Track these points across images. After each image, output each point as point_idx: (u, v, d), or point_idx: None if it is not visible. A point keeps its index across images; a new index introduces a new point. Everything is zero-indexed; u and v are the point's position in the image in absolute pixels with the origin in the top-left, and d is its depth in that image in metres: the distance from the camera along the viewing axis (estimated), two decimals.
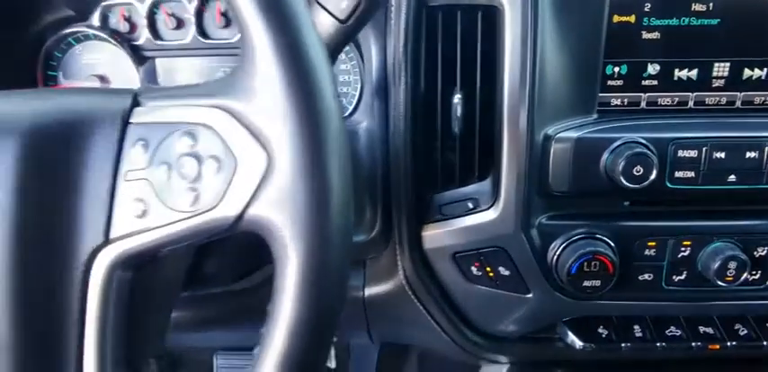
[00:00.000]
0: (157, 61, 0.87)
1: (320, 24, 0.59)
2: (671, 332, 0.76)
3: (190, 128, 0.42)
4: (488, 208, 0.69)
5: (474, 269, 0.73)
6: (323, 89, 0.40)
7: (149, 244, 0.42)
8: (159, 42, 0.84)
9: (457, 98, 0.69)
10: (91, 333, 0.43)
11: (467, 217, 0.71)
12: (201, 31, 0.84)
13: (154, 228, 0.42)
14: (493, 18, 0.66)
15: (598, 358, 0.79)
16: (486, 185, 0.70)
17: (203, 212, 0.42)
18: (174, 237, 0.42)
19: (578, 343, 0.76)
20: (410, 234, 0.73)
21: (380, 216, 0.75)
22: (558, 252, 0.68)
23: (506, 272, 0.70)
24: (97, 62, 0.88)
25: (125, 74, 0.87)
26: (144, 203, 0.42)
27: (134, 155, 0.43)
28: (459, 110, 0.69)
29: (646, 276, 0.70)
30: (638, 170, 0.63)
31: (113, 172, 0.43)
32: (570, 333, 0.77)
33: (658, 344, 0.75)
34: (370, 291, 0.80)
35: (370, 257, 0.79)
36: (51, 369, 0.43)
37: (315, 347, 0.41)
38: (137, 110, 0.44)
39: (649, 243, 0.69)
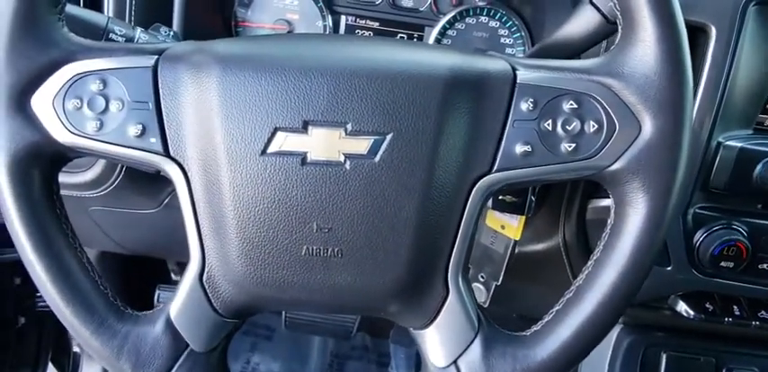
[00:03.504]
0: (342, 17, 0.97)
1: (585, 19, 0.67)
2: (761, 314, 0.94)
3: (576, 95, 0.53)
4: None
5: None
6: (687, 79, 0.52)
7: (525, 178, 0.54)
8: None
9: None
10: (461, 234, 0.55)
11: None
12: None
13: (536, 166, 0.54)
14: (693, 38, 0.81)
15: (696, 327, 0.97)
16: None
17: (580, 160, 0.53)
18: (547, 176, 0.54)
19: (691, 313, 0.92)
20: (580, 206, 0.88)
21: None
22: (704, 236, 0.84)
23: None
24: (285, 8, 0.97)
25: (310, 23, 0.97)
26: (530, 146, 0.53)
27: (523, 108, 0.54)
28: None
29: (765, 265, 0.86)
30: None
31: (504, 119, 0.54)
32: (683, 304, 0.93)
33: (754, 323, 0.92)
34: (522, 248, 0.96)
35: None
36: (433, 251, 0.55)
37: (641, 276, 0.55)
38: (518, 73, 0.55)
39: None
